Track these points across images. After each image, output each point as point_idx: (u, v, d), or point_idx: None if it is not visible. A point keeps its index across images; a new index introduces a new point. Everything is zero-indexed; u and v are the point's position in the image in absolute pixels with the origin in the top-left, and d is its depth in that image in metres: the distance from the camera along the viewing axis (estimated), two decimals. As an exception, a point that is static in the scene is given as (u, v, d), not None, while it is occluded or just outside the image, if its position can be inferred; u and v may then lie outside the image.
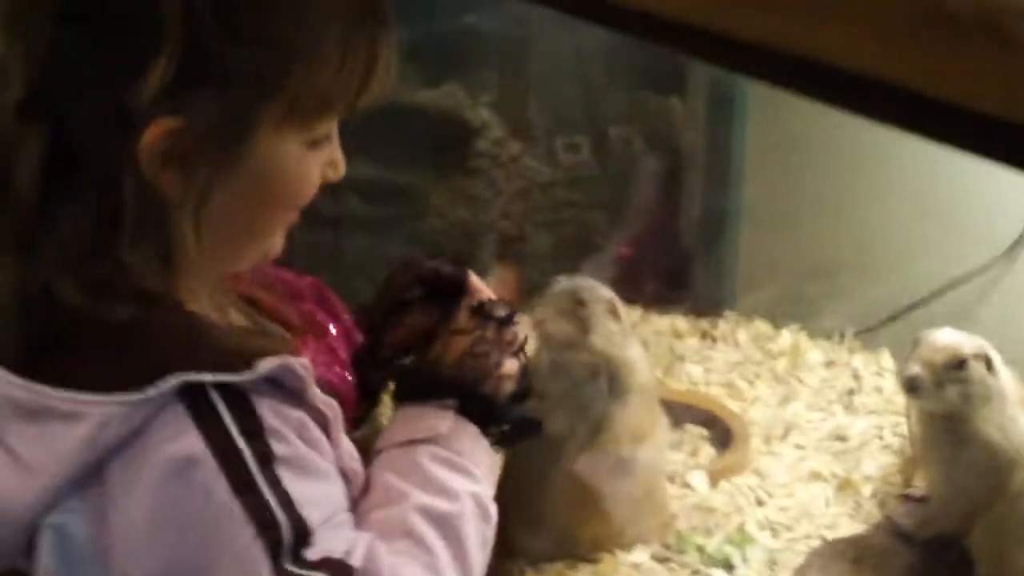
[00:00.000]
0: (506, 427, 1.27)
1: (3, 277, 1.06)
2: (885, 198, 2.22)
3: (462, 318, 1.28)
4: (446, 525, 1.17)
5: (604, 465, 1.60)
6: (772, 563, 1.63)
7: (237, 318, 1.20)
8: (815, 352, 2.18)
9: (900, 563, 1.53)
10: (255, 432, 1.04)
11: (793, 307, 2.33)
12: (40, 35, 1.03)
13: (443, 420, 1.23)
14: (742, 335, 2.27)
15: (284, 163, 1.10)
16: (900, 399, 1.99)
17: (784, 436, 1.96)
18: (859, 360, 2.15)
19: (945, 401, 1.47)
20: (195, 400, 1.02)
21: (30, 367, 1.06)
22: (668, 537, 1.67)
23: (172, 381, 1.01)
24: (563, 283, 1.64)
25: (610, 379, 1.61)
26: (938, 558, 1.55)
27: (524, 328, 1.32)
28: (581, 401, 1.60)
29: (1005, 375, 1.52)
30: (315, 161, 1.12)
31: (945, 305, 2.10)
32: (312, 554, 1.06)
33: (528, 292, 2.46)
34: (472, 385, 1.25)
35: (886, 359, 2.13)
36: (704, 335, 2.29)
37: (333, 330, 1.29)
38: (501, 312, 1.29)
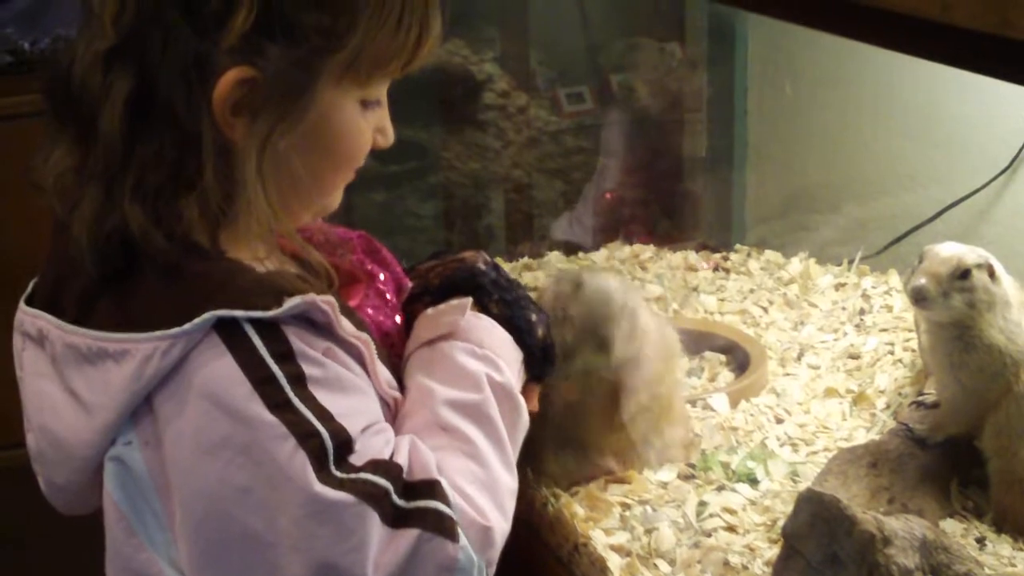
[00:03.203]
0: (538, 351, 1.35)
1: (87, 211, 1.15)
2: (885, 123, 2.27)
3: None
4: (477, 413, 1.24)
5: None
6: (794, 475, 1.69)
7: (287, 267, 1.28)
8: (825, 277, 2.24)
9: (915, 465, 1.58)
10: (287, 356, 1.12)
11: (801, 236, 2.39)
12: None
13: (463, 313, 1.30)
14: (753, 264, 2.33)
15: (341, 116, 1.19)
16: (910, 316, 2.06)
17: (799, 357, 2.02)
18: (868, 282, 2.21)
19: (951, 309, 1.53)
20: (230, 332, 1.11)
21: (86, 315, 1.16)
22: (693, 457, 1.73)
23: (206, 315, 1.10)
24: (594, 285, 1.65)
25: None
26: (950, 459, 1.61)
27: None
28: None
29: (1007, 283, 1.58)
30: (368, 121, 1.21)
31: (948, 224, 2.16)
32: (357, 459, 1.13)
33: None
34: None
35: (894, 279, 2.18)
36: (717, 267, 2.35)
37: (382, 277, 1.36)
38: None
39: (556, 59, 2.97)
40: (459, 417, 1.23)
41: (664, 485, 1.68)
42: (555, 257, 2.40)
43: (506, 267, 2.35)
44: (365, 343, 1.18)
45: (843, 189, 2.37)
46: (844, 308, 2.15)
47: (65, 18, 2.99)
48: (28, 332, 1.22)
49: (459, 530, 1.15)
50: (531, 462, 1.61)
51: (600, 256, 2.41)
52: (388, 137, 1.24)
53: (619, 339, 1.61)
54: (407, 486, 1.15)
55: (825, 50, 2.31)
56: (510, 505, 1.23)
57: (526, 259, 2.41)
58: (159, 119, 1.14)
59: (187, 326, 1.10)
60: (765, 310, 2.18)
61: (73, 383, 1.16)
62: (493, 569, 1.21)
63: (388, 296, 1.35)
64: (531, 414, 1.31)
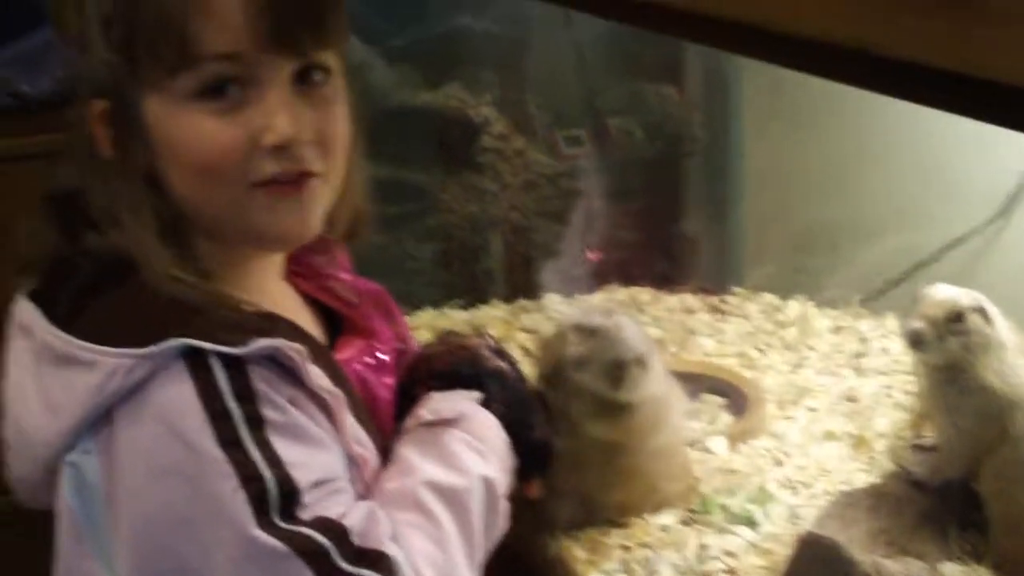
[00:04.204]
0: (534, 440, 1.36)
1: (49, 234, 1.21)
2: (880, 165, 2.29)
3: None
4: (454, 499, 1.23)
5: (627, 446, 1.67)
6: (794, 518, 1.69)
7: (278, 304, 1.29)
8: (823, 320, 2.25)
9: (914, 509, 1.59)
10: (247, 396, 1.12)
11: (799, 279, 2.39)
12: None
13: (467, 404, 1.31)
14: (751, 307, 2.34)
15: (165, 123, 1.18)
16: (908, 359, 2.06)
17: (797, 400, 2.02)
18: (865, 324, 2.22)
19: (947, 352, 1.54)
20: (195, 362, 1.12)
21: (71, 319, 1.18)
22: (693, 501, 1.74)
23: (174, 343, 1.11)
24: (610, 323, 1.66)
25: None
26: (949, 502, 1.61)
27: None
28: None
29: (1002, 325, 1.59)
30: (204, 120, 1.17)
31: (945, 266, 2.17)
32: (304, 513, 1.13)
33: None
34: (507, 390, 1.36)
35: (891, 322, 2.20)
36: (714, 310, 2.36)
37: (384, 335, 1.37)
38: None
39: (553, 102, 2.99)
40: (436, 499, 1.22)
41: (665, 528, 1.69)
42: (553, 300, 2.41)
43: (503, 309, 2.37)
44: (335, 397, 1.19)
45: (840, 231, 2.38)
46: (842, 351, 2.16)
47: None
48: (18, 321, 1.24)
49: None
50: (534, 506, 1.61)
51: (597, 299, 2.42)
52: (274, 130, 1.16)
53: (632, 379, 1.62)
54: (356, 551, 1.14)
55: (821, 91, 2.32)
56: None
57: (523, 301, 2.42)
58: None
59: (154, 349, 1.12)
60: (763, 353, 2.19)
61: (45, 380, 1.18)
62: None
63: (384, 356, 1.36)
64: (531, 501, 1.34)
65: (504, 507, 1.28)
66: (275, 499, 1.11)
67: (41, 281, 1.24)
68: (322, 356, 1.23)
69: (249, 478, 1.11)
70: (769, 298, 2.36)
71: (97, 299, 1.19)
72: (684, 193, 2.72)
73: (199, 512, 1.11)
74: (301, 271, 1.38)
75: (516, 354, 2.12)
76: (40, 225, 1.24)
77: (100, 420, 1.15)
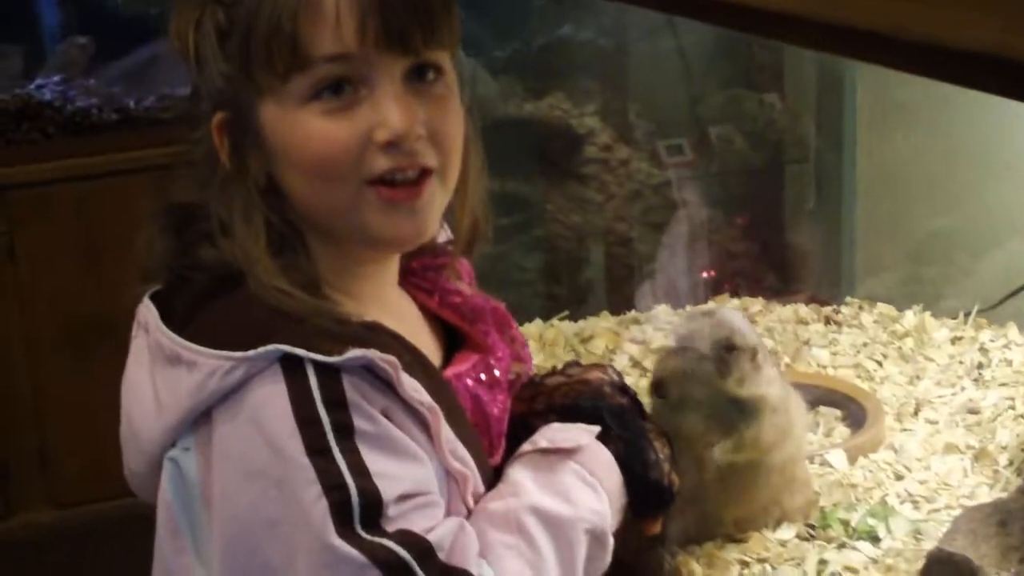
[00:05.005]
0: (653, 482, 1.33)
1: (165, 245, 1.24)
2: (997, 172, 2.24)
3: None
4: (560, 530, 1.22)
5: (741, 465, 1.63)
6: (916, 533, 1.65)
7: (393, 312, 1.29)
8: (941, 330, 2.20)
9: (1045, 524, 1.54)
10: (338, 404, 1.13)
11: (914, 289, 2.35)
12: None
13: (585, 437, 1.29)
14: (866, 318, 2.29)
15: (280, 127, 1.19)
16: (1033, 370, 2.02)
17: (916, 413, 1.97)
18: (986, 335, 2.16)
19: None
20: (291, 368, 1.13)
21: (187, 323, 1.20)
22: (812, 515, 1.70)
23: (271, 348, 1.13)
24: (708, 321, 1.61)
25: (740, 408, 1.60)
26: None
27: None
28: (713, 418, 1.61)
29: None
30: (318, 120, 1.17)
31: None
32: (388, 525, 1.12)
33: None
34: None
35: (1014, 332, 2.14)
36: (828, 320, 2.31)
37: (499, 353, 1.35)
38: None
39: (655, 112, 2.97)
40: (540, 526, 1.21)
41: (783, 543, 1.65)
42: (663, 311, 2.38)
43: (611, 320, 2.35)
44: (431, 411, 1.17)
45: (956, 240, 2.33)
46: (961, 362, 2.10)
47: (170, 77, 3.04)
48: (140, 321, 1.26)
49: None
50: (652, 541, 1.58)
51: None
52: (388, 126, 1.17)
53: (742, 369, 1.57)
54: (441, 567, 1.13)
55: (936, 98, 2.28)
56: None
57: (633, 313, 2.39)
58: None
59: (251, 353, 1.13)
60: (880, 364, 2.14)
61: (156, 378, 1.21)
62: None
63: (498, 373, 1.34)
64: (649, 538, 1.34)
65: (610, 544, 1.27)
66: (358, 509, 1.11)
67: (164, 284, 1.26)
68: (425, 369, 1.23)
69: (333, 486, 1.11)
70: (884, 308, 2.31)
71: (209, 305, 1.21)
72: (792, 201, 2.68)
73: (284, 516, 1.12)
74: (425, 286, 1.38)
75: (624, 366, 2.12)
76: (157, 236, 1.25)
77: (201, 419, 1.17)
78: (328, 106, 1.17)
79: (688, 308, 2.39)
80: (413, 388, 1.16)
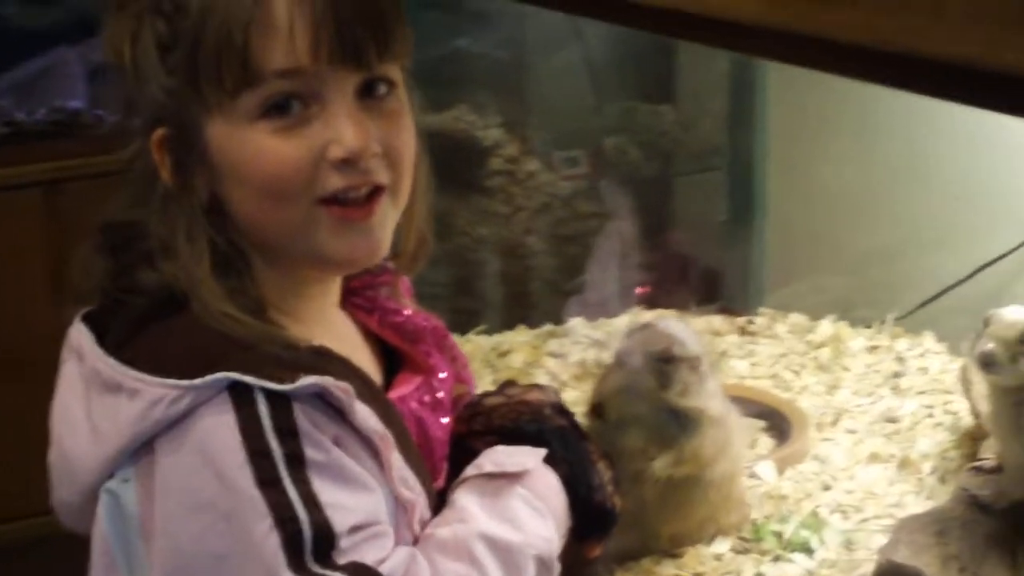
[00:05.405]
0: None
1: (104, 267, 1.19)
2: (912, 179, 2.25)
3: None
4: (509, 556, 1.21)
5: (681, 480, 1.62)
6: (848, 543, 1.65)
7: (337, 334, 1.26)
8: (857, 339, 2.21)
9: (981, 531, 1.55)
10: (289, 434, 1.10)
11: (826, 299, 2.36)
12: None
13: (532, 461, 1.28)
14: (780, 328, 2.30)
15: (228, 145, 1.15)
16: (947, 378, 2.03)
17: (835, 422, 1.98)
18: (902, 344, 2.18)
19: (1019, 374, 1.52)
20: (240, 397, 1.10)
21: (123, 346, 1.16)
22: (745, 529, 1.70)
23: (219, 376, 1.09)
24: (652, 330, 1.60)
25: (681, 421, 1.60)
26: (1017, 524, 1.58)
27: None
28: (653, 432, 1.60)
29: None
30: (268, 138, 1.14)
31: (981, 285, 2.14)
32: (339, 557, 1.09)
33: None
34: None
35: (930, 340, 2.16)
36: (743, 331, 2.32)
37: (442, 375, 1.33)
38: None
39: (552, 123, 2.96)
40: (489, 553, 1.20)
41: (719, 557, 1.64)
42: (579, 323, 2.36)
43: (529, 334, 2.33)
44: (382, 438, 1.15)
45: (869, 249, 2.35)
46: (878, 371, 2.12)
47: (61, 89, 2.97)
48: (72, 344, 1.21)
49: None
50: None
51: (622, 322, 2.37)
52: (342, 144, 1.14)
53: (683, 380, 1.56)
54: None
55: (849, 104, 2.29)
56: None
57: (549, 326, 2.37)
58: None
59: (198, 381, 1.10)
60: (797, 374, 2.15)
61: (92, 406, 1.16)
62: None
63: (441, 395, 1.32)
64: (589, 560, 1.32)
65: (556, 569, 1.26)
66: (310, 541, 1.08)
67: (98, 305, 1.22)
68: (373, 395, 1.20)
69: (284, 519, 1.08)
70: (797, 318, 2.32)
71: (148, 328, 1.17)
72: (702, 211, 2.68)
73: (232, 550, 1.09)
74: (365, 305, 1.35)
75: (544, 380, 2.11)
76: (92, 256, 1.20)
77: (141, 449, 1.13)
78: (278, 124, 1.14)
79: (602, 321, 2.39)
80: (365, 416, 1.14)
